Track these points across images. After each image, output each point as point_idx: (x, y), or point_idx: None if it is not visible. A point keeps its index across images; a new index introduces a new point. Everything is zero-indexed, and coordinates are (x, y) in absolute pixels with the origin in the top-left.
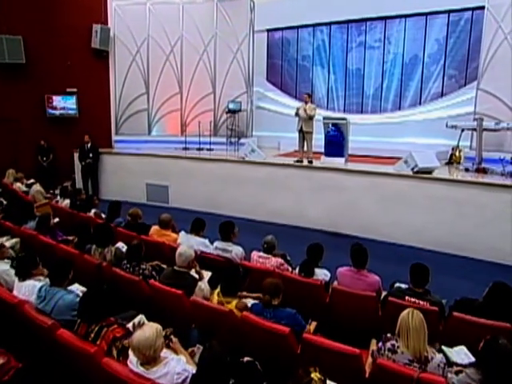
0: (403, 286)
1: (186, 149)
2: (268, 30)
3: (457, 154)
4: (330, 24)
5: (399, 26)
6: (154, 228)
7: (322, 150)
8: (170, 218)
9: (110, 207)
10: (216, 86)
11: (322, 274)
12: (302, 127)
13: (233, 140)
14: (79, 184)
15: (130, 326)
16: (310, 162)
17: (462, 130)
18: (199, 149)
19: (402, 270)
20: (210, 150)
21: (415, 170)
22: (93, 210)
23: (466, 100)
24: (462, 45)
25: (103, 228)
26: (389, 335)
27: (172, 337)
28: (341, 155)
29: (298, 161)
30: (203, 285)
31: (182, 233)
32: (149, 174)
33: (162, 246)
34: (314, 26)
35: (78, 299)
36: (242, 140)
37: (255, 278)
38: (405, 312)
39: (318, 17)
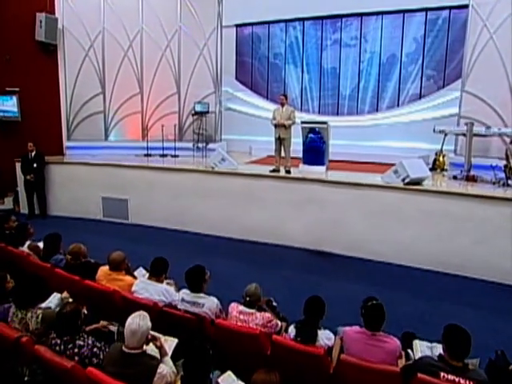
0: (425, 345)
1: (148, 155)
2: (237, 26)
3: (440, 159)
4: (303, 20)
5: (376, 24)
6: (103, 270)
7: (301, 155)
8: (122, 258)
9: (47, 241)
10: (181, 86)
11: (323, 338)
12: (279, 135)
13: (200, 145)
14: (23, 199)
15: None
16: (288, 171)
17: (446, 134)
18: (163, 155)
19: (398, 295)
20: (174, 156)
21: (406, 181)
22: (27, 243)
23: (446, 102)
24: (440, 44)
25: (28, 280)
26: None
27: None
28: (321, 163)
29: (274, 170)
30: (166, 368)
31: (140, 272)
32: (105, 186)
33: (112, 296)
34: (286, 21)
35: None
36: (211, 145)
37: (235, 341)
38: None
39: (290, 12)
